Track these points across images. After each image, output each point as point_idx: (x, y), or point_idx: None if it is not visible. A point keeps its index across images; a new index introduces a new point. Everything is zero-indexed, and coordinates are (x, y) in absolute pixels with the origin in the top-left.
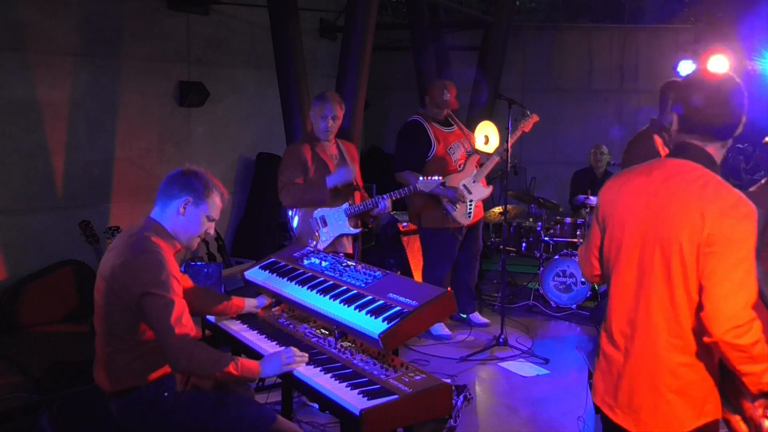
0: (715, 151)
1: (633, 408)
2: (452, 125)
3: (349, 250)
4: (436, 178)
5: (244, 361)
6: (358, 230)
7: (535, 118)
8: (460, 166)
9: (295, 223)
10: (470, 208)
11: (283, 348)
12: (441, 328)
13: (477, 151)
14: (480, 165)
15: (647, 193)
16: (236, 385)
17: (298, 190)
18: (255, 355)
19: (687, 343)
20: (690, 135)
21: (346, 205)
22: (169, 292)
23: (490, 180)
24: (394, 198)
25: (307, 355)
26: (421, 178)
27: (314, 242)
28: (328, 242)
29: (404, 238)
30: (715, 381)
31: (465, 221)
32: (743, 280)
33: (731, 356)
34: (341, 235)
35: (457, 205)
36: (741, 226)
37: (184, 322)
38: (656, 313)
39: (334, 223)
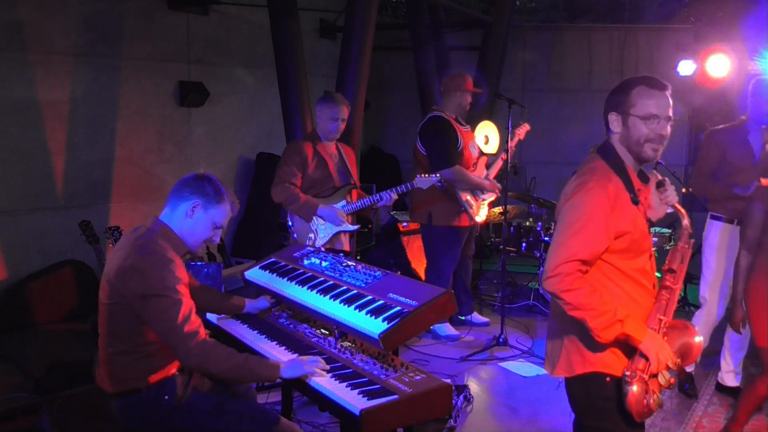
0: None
1: (548, 354)
2: (466, 125)
3: (347, 248)
4: (434, 175)
5: (265, 360)
6: (355, 227)
7: (526, 126)
8: (474, 165)
9: (293, 219)
10: (483, 207)
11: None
12: (447, 329)
13: (483, 154)
14: (487, 166)
15: None
16: (240, 384)
17: (293, 198)
18: (255, 355)
19: None
20: None
21: (343, 203)
22: (176, 293)
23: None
24: (399, 193)
25: (328, 367)
26: (419, 175)
27: (312, 238)
28: (326, 239)
29: (404, 238)
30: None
31: (478, 220)
32: (565, 240)
33: (558, 302)
34: (339, 232)
35: (473, 203)
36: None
37: (192, 320)
38: None
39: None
